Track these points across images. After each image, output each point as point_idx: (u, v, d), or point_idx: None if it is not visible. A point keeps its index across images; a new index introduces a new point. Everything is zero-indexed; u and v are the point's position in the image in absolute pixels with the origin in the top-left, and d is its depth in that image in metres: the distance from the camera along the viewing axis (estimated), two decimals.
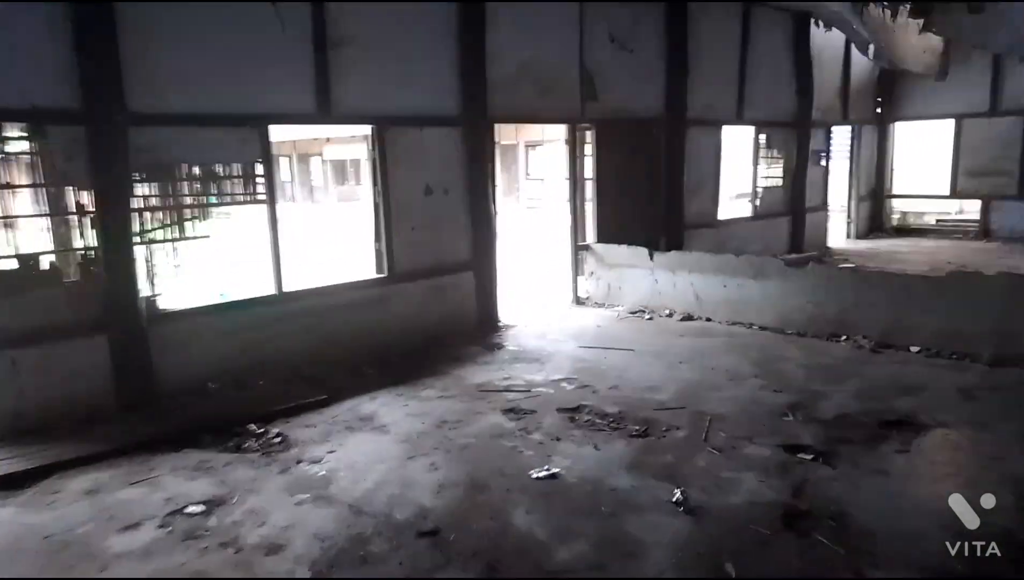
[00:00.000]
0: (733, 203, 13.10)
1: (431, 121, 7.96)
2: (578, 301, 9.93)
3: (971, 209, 15.89)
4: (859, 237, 15.77)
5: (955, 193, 15.28)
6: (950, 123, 15.11)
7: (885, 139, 16.09)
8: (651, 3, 10.28)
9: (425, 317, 8.05)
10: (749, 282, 8.36)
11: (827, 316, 7.81)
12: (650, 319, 8.93)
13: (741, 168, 13.66)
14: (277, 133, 7.06)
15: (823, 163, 14.56)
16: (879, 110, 15.79)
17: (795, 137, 13.36)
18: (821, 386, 6.26)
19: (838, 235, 15.52)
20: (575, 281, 10.01)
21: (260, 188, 6.81)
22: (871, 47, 13.29)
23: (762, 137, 12.84)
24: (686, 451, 4.97)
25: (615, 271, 9.61)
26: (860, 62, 14.66)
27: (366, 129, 7.74)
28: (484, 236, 8.55)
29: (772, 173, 13.29)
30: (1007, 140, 14.34)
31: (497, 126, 8.88)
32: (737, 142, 13.01)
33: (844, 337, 7.64)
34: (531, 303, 9.84)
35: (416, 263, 7.98)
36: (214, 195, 6.50)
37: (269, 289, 6.97)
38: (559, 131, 10.46)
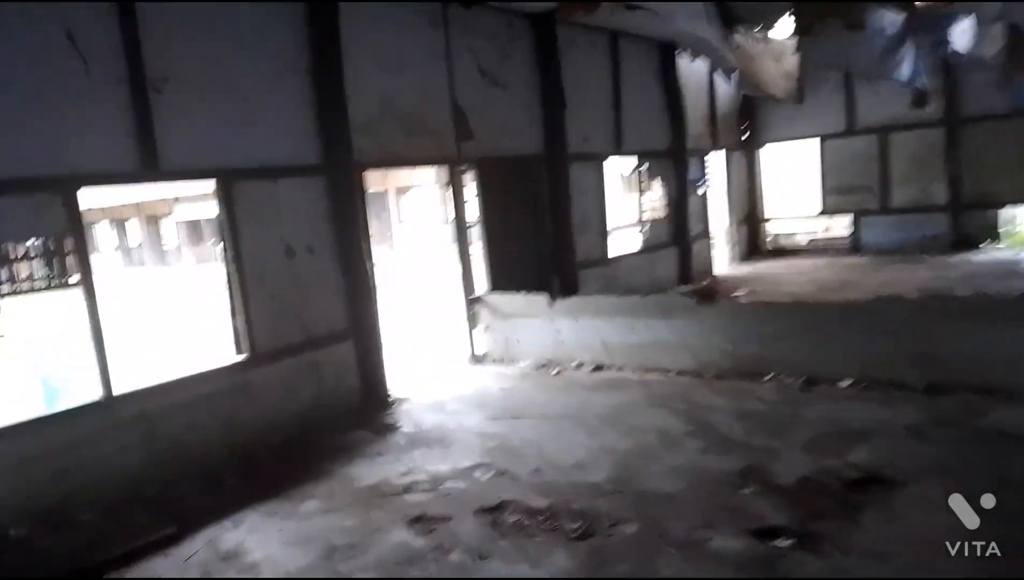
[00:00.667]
0: (620, 238, 12.62)
1: (287, 171, 6.77)
2: (475, 359, 8.90)
3: (836, 226, 16.35)
4: (740, 261, 15.79)
5: (824, 211, 15.63)
6: (815, 144, 15.49)
7: (753, 163, 16.32)
8: (517, 34, 9.62)
9: (298, 402, 6.76)
10: (658, 324, 7.66)
11: (746, 354, 7.21)
12: (557, 374, 8.04)
13: (625, 202, 13.26)
14: (92, 197, 5.65)
15: (700, 191, 14.45)
16: (745, 135, 16.00)
17: (673, 166, 13.11)
18: (764, 440, 5.54)
19: (721, 261, 15.45)
20: (470, 336, 8.99)
21: (72, 268, 5.36)
22: (735, 74, 13.38)
23: (642, 168, 12.47)
24: (642, 554, 4.03)
25: (513, 323, 8.69)
26: (724, 90, 14.78)
27: (209, 184, 6.45)
28: (362, 298, 7.39)
29: (655, 204, 12.95)
30: (866, 157, 14.84)
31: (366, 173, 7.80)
32: (618, 175, 12.58)
33: (767, 376, 7.05)
34: (423, 367, 8.71)
35: (282, 339, 6.69)
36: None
37: (93, 393, 5.49)
38: (429, 174, 9.52)
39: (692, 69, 13.60)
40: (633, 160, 12.33)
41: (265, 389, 6.51)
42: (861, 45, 11.62)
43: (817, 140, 15.45)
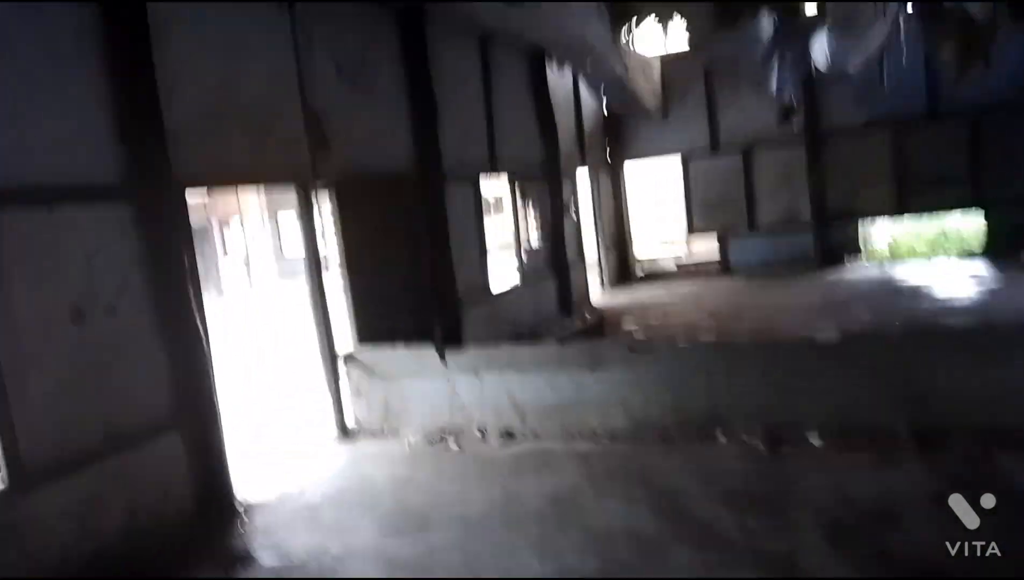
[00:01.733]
0: (497, 270, 11.18)
1: (71, 193, 4.62)
2: (346, 434, 6.96)
3: (699, 249, 15.99)
4: (612, 288, 14.88)
5: (692, 231, 15.14)
6: (678, 163, 14.99)
7: (619, 184, 15.55)
8: (381, 30, 7.91)
9: (99, 536, 4.55)
10: (584, 377, 6.20)
11: (693, 408, 5.92)
12: (458, 449, 6.33)
13: (499, 228, 11.85)
14: None
15: (571, 214, 13.35)
16: (610, 153, 15.20)
17: (547, 186, 11.88)
18: (769, 534, 4.20)
19: (594, 290, 14.44)
20: (337, 405, 7.04)
21: None
22: (606, 86, 12.51)
23: (516, 189, 11.12)
24: None
25: (394, 384, 6.87)
26: (589, 104, 13.88)
27: None
28: (192, 370, 5.30)
29: (531, 230, 11.64)
30: (732, 175, 14.51)
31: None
32: (490, 198, 11.14)
33: (721, 434, 5.79)
34: (279, 452, 6.65)
35: (68, 444, 4.47)
36: None
37: None
38: (261, 201, 7.52)
39: (559, 83, 12.53)
40: (505, 180, 10.95)
41: (44, 526, 4.27)
42: (747, 49, 11.13)
43: (678, 158, 14.97)
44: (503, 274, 11.07)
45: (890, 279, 12.36)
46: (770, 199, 14.29)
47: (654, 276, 15.65)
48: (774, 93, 12.00)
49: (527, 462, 5.82)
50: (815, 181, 13.84)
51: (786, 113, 13.14)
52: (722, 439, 5.74)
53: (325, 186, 7.28)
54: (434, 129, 8.48)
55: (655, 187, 16.81)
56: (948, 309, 9.70)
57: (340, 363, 7.06)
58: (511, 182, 10.89)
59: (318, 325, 7.00)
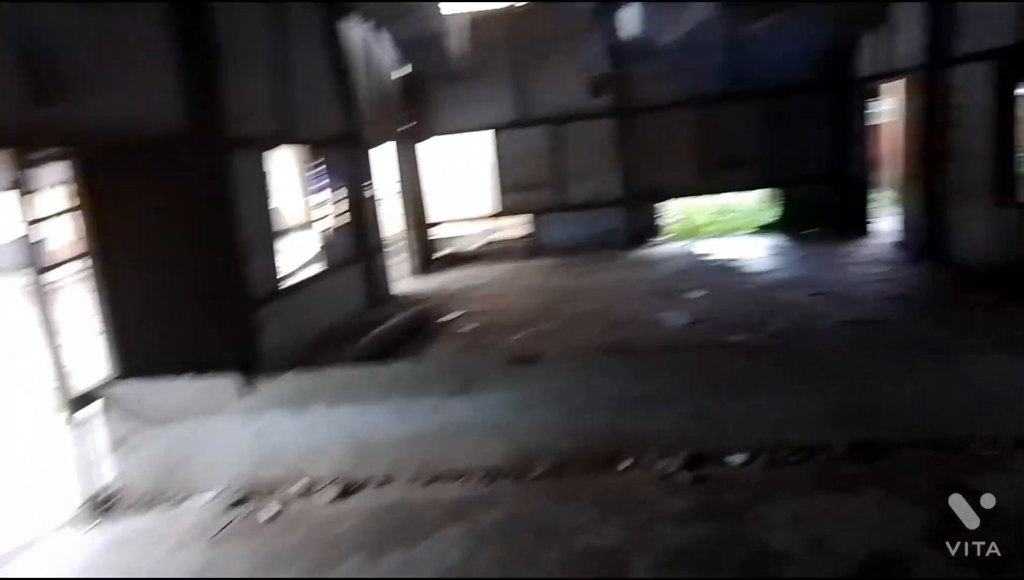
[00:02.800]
0: (289, 257, 9.17)
1: None
2: (101, 506, 4.82)
3: (503, 228, 15.02)
4: (420, 273, 13.37)
5: (503, 211, 14.06)
6: (487, 136, 13.79)
7: (416, 159, 13.97)
8: None
9: None
10: (451, 404, 4.72)
11: (593, 430, 4.71)
12: (277, 515, 4.53)
13: (290, 208, 9.80)
14: None
15: (368, 192, 11.59)
16: (412, 124, 13.57)
17: (348, 159, 10.04)
18: None
19: (400, 277, 12.83)
20: (84, 466, 4.85)
21: None
22: (412, 46, 10.96)
23: (312, 162, 9.20)
24: None
25: (176, 429, 4.86)
26: (387, 66, 12.17)
27: None
28: None
29: (329, 210, 9.78)
30: (540, 150, 13.63)
31: None
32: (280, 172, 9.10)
33: (626, 460, 4.64)
34: None
35: None
36: None
37: None
38: None
39: (361, 42, 10.72)
40: (301, 151, 8.99)
41: None
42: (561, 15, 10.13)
43: (490, 132, 13.80)
44: (295, 263, 9.12)
45: (699, 256, 12.23)
46: (582, 176, 13.61)
47: (460, 259, 14.37)
48: (587, 64, 11.21)
49: (379, 527, 4.21)
50: (625, 158, 13.39)
51: (598, 86, 12.47)
52: (627, 467, 4.58)
53: (62, 155, 5.01)
54: (214, 75, 6.39)
55: (458, 161, 15.49)
56: (776, 282, 9.53)
57: (88, 404, 4.88)
58: (308, 153, 8.96)
59: (50, 352, 4.75)
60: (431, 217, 14.20)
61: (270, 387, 4.83)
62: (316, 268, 9.15)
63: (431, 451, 4.69)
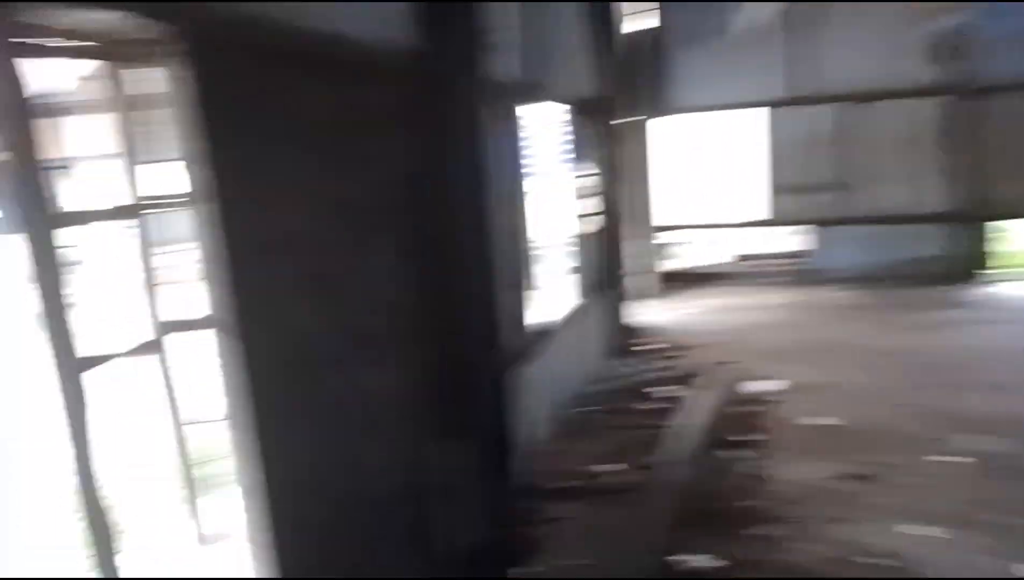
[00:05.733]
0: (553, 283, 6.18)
1: None
2: None
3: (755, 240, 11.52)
4: (649, 297, 10.05)
5: (773, 219, 10.48)
6: (759, 115, 10.30)
7: (645, 142, 10.51)
8: None
9: None
10: None
11: None
12: None
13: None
14: None
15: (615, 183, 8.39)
16: (646, 102, 10.29)
17: (597, 136, 6.98)
18: None
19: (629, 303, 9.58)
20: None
21: None
22: None
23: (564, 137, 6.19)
24: None
25: None
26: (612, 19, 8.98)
27: None
28: None
29: (582, 208, 6.75)
30: (823, 140, 9.99)
31: None
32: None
33: None
34: None
35: None
36: None
37: None
38: None
39: None
40: (559, 114, 6.01)
41: None
42: None
43: (745, 112, 10.36)
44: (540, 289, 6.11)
45: None
46: (882, 178, 9.82)
47: (697, 278, 10.99)
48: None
49: None
50: (956, 157, 9.46)
51: (941, 51, 8.72)
52: None
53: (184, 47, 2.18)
54: None
55: (695, 149, 12.07)
56: None
57: None
58: (566, 116, 5.96)
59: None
60: (660, 220, 10.82)
61: None
62: (566, 300, 6.10)
63: None
